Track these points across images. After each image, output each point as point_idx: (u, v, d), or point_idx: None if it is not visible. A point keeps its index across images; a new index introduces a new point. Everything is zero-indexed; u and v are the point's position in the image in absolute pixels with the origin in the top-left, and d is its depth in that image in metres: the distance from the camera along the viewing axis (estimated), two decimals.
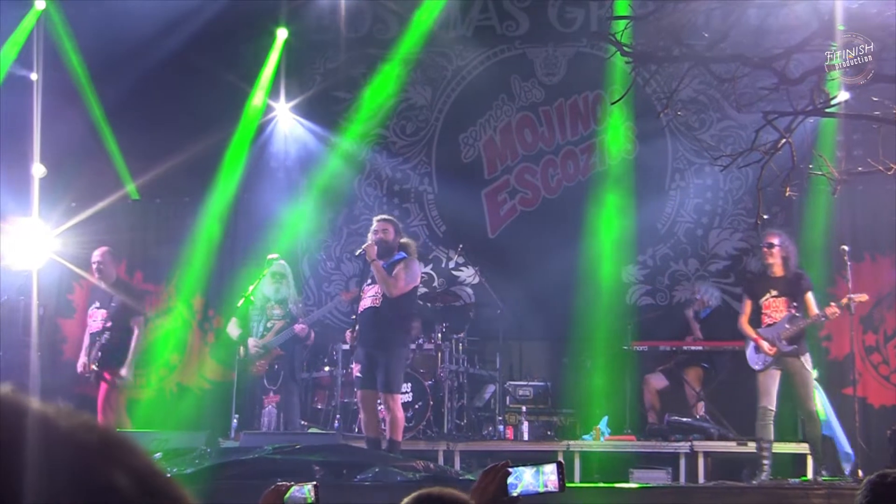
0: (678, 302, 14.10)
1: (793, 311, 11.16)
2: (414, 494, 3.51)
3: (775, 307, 11.24)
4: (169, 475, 1.21)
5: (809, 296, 11.24)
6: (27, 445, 1.11)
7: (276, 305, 12.76)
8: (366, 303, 11.23)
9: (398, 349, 11.16)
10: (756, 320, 11.33)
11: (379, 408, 11.17)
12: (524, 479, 4.14)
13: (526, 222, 14.89)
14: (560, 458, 4.20)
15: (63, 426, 1.14)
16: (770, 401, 11.08)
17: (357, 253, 11.51)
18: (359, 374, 11.18)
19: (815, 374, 11.46)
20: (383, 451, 10.99)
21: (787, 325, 11.10)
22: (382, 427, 11.18)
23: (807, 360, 11.17)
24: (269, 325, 12.75)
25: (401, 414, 11.17)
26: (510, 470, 4.12)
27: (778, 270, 11.27)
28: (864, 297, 11.31)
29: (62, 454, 1.12)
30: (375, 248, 11.12)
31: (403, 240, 11.51)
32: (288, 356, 12.70)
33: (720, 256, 14.42)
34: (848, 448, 11.68)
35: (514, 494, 4.12)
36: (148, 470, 1.18)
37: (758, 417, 11.15)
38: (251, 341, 12.58)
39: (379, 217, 11.69)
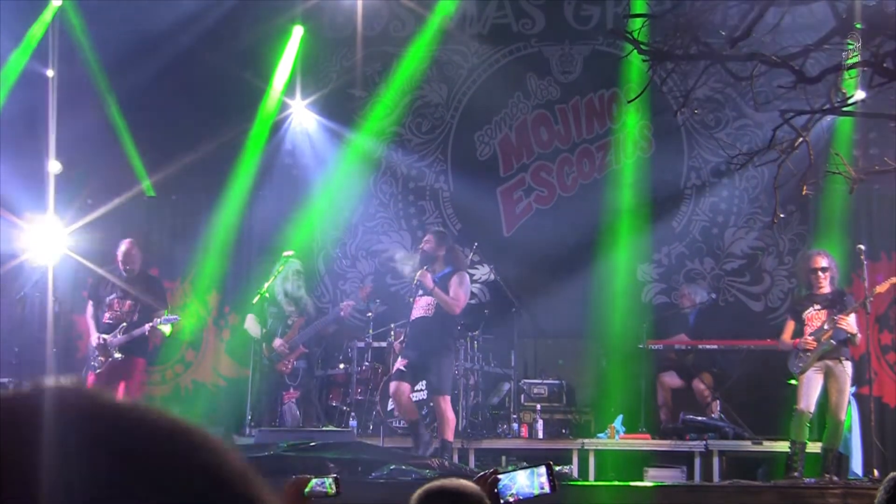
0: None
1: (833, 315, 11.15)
2: (424, 487, 3.53)
3: (817, 317, 11.25)
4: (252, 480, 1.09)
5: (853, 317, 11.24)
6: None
7: (290, 302, 12.84)
8: (418, 312, 11.75)
9: (448, 354, 11.78)
10: (799, 335, 11.33)
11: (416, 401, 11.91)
12: (518, 481, 4.12)
13: (541, 220, 14.87)
14: (550, 461, 4.16)
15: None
16: (808, 405, 11.06)
17: (415, 282, 11.87)
18: (402, 368, 11.71)
19: (852, 389, 11.46)
20: (398, 449, 11.09)
21: (826, 327, 11.08)
22: (419, 413, 11.90)
23: (848, 367, 11.15)
24: (289, 322, 12.84)
25: (451, 415, 11.66)
26: (500, 477, 4.10)
27: (824, 290, 11.29)
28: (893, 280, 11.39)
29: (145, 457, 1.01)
30: (429, 276, 11.65)
31: (446, 250, 12.02)
32: (309, 353, 12.84)
33: (736, 255, 14.38)
34: (860, 472, 11.67)
35: (509, 498, 4.09)
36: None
37: (793, 419, 11.13)
38: (277, 341, 12.67)
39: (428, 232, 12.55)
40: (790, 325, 11.55)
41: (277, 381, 12.79)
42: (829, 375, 11.13)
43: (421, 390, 12.64)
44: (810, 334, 11.18)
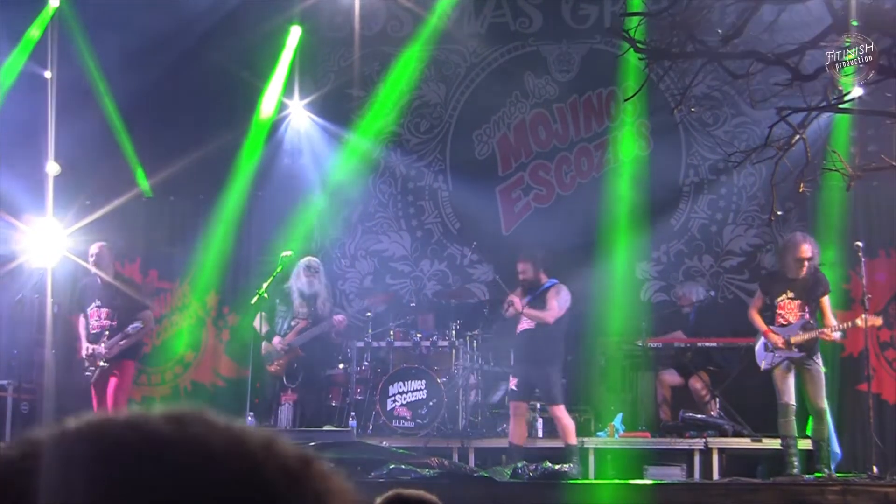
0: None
1: (807, 316, 11.13)
2: (386, 495, 3.55)
3: (790, 309, 11.23)
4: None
5: (825, 300, 11.23)
6: None
7: (303, 303, 12.78)
8: (522, 325, 12.11)
9: (555, 365, 12.00)
10: (769, 318, 11.32)
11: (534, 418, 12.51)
12: None
13: (540, 219, 14.88)
14: None
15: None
16: (790, 397, 11.09)
17: (508, 315, 12.25)
18: (514, 388, 12.15)
19: (824, 370, 11.46)
20: (397, 448, 11.10)
21: (798, 331, 11.09)
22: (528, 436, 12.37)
23: (818, 358, 11.17)
24: (293, 323, 12.79)
25: (569, 421, 12.00)
26: None
27: (803, 274, 11.25)
28: (878, 322, 11.42)
29: None
30: (518, 301, 11.99)
31: (542, 264, 12.38)
32: (308, 356, 12.77)
33: (734, 253, 14.40)
34: (837, 448, 11.67)
35: None
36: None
37: (779, 415, 11.15)
38: (276, 340, 12.65)
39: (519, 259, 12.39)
40: (759, 299, 11.58)
41: (274, 381, 12.77)
42: (799, 368, 11.15)
43: (420, 389, 12.71)
44: (780, 328, 11.18)
